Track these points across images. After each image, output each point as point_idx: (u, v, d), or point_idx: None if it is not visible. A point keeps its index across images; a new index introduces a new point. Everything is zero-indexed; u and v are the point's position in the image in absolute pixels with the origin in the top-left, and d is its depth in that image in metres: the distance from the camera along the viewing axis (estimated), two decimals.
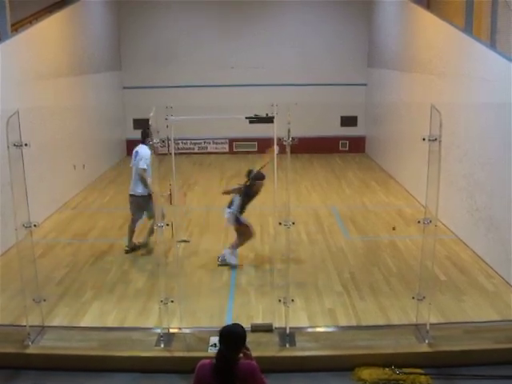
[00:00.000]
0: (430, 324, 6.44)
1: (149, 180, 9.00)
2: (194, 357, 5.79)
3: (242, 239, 8.90)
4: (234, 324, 4.51)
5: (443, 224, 10.23)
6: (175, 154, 6.72)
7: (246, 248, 9.58)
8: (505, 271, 8.20)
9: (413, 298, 6.72)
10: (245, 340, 4.34)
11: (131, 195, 9.40)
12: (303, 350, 6.40)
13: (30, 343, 6.45)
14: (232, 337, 4.29)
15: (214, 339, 6.02)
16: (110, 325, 7.01)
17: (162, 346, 6.43)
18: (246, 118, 6.55)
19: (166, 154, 6.68)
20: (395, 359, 6.19)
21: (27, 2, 12.14)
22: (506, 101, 8.10)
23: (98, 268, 8.86)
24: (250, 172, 8.77)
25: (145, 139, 9.07)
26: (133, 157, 9.42)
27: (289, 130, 6.11)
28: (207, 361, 4.35)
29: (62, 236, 10.42)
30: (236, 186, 8.88)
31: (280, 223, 6.41)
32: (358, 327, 6.93)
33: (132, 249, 9.47)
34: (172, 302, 6.62)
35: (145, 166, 9.06)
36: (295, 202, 11.72)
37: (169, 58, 17.56)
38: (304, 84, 17.57)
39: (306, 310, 7.33)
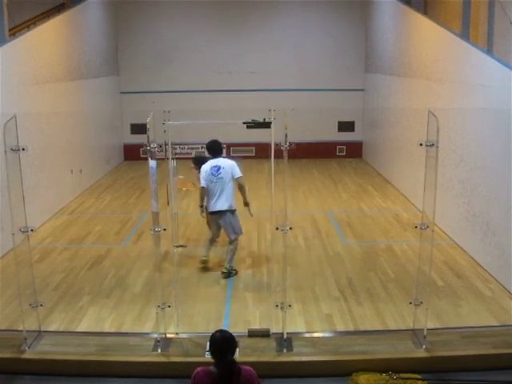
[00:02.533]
0: (427, 329, 6.43)
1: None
2: (191, 362, 5.80)
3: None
4: (219, 331, 4.50)
5: (440, 229, 10.26)
6: (172, 158, 6.73)
7: (244, 253, 9.60)
8: (502, 276, 8.20)
9: (410, 303, 6.71)
10: (236, 341, 4.38)
11: (223, 212, 8.66)
12: (300, 355, 6.38)
13: (26, 348, 6.43)
14: (229, 342, 4.31)
15: None
16: (107, 330, 6.99)
17: (159, 351, 6.41)
18: (244, 123, 6.57)
19: (163, 159, 6.69)
20: (392, 364, 6.18)
21: (25, 6, 12.15)
22: (502, 106, 8.12)
23: (94, 273, 8.85)
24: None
25: (219, 153, 8.85)
26: (211, 173, 8.60)
27: (286, 135, 6.11)
28: (202, 368, 4.35)
29: (58, 241, 10.41)
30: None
31: (277, 228, 6.40)
32: (356, 332, 6.92)
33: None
34: (169, 307, 6.61)
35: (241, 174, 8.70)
36: (292, 206, 11.73)
37: (166, 63, 17.60)
38: (301, 89, 17.60)
39: (303, 315, 7.32)
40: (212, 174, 8.58)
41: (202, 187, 8.67)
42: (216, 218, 8.78)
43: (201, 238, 10.43)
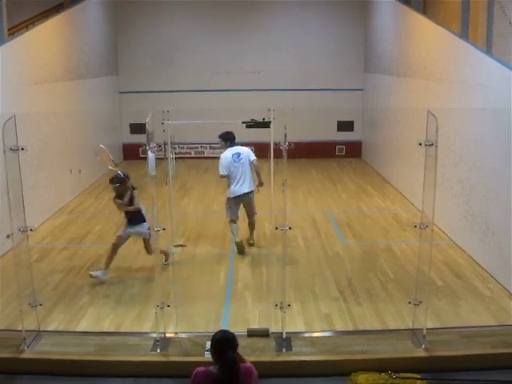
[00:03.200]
0: (427, 329, 6.43)
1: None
2: (190, 361, 5.80)
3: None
4: (221, 331, 4.52)
5: (439, 229, 10.26)
6: (171, 158, 6.73)
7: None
8: (501, 276, 8.21)
9: (409, 302, 6.71)
10: (237, 341, 4.38)
11: (247, 193, 9.57)
12: (300, 354, 6.39)
13: (25, 348, 6.43)
14: (229, 341, 4.31)
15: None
16: (106, 329, 6.99)
17: (158, 350, 6.41)
18: (243, 122, 6.58)
19: (162, 159, 6.69)
20: (392, 364, 6.18)
21: (23, 6, 12.15)
22: (501, 106, 8.12)
23: None
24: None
25: (235, 140, 9.69)
26: (232, 159, 9.47)
27: (285, 135, 6.11)
28: (203, 368, 4.35)
29: (58, 241, 10.41)
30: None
31: (276, 228, 6.41)
32: (355, 332, 6.92)
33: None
34: (168, 306, 6.61)
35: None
36: (292, 206, 11.73)
37: (165, 63, 17.59)
38: (301, 89, 17.61)
39: (303, 314, 7.32)
40: (234, 161, 9.44)
41: (222, 175, 9.51)
42: (240, 200, 9.61)
43: (200, 237, 10.44)
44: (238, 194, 9.51)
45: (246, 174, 9.50)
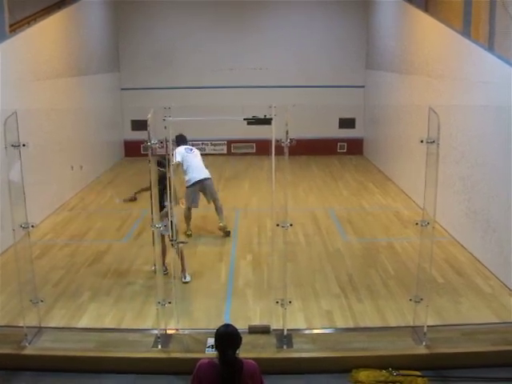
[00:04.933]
0: (428, 326, 6.44)
1: None
2: (191, 358, 5.79)
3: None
4: (225, 325, 4.52)
5: (441, 226, 10.25)
6: (173, 155, 6.73)
7: (244, 249, 9.61)
8: (502, 273, 8.21)
9: (410, 299, 6.71)
10: (241, 337, 4.37)
11: (206, 179, 10.19)
12: (300, 351, 6.40)
13: (27, 344, 6.44)
14: (232, 337, 4.31)
15: (212, 340, 6.00)
16: (107, 326, 7.00)
17: (160, 347, 6.42)
18: (244, 119, 6.56)
19: (163, 155, 6.69)
20: (392, 361, 6.19)
21: (25, 2, 12.14)
22: (503, 103, 8.11)
23: (95, 269, 8.85)
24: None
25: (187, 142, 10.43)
26: (185, 152, 10.16)
27: (287, 132, 6.11)
28: (206, 360, 4.35)
29: (59, 237, 10.41)
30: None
31: (277, 225, 6.40)
32: (356, 329, 6.93)
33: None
34: (169, 303, 6.62)
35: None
36: (293, 203, 11.72)
37: (167, 60, 17.56)
38: (302, 86, 17.57)
39: (304, 311, 7.33)
40: (187, 153, 10.11)
41: (177, 162, 9.81)
42: (201, 186, 10.14)
43: (201, 233, 10.44)
44: (197, 179, 10.04)
45: (200, 163, 10.21)
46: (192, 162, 10.10)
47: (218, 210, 10.32)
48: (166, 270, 8.28)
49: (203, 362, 4.34)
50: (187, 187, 10.11)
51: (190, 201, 10.06)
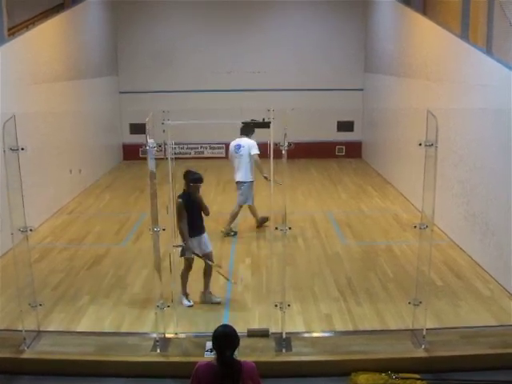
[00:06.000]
0: (427, 329, 6.44)
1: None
2: (190, 362, 5.78)
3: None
4: (223, 326, 4.53)
5: (439, 229, 10.26)
6: (171, 158, 6.72)
7: (243, 253, 9.60)
8: (501, 276, 8.21)
9: (409, 303, 6.72)
10: (239, 338, 4.37)
11: (241, 182, 10.45)
12: (299, 355, 6.39)
13: (25, 348, 6.44)
14: (230, 338, 4.32)
15: (210, 344, 6.00)
16: (106, 330, 6.99)
17: (158, 350, 6.41)
18: (243, 122, 6.57)
19: (162, 159, 6.69)
20: (391, 364, 6.18)
21: (24, 6, 12.14)
22: (502, 106, 8.12)
23: (94, 273, 8.85)
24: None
25: (248, 133, 10.27)
26: (234, 149, 10.43)
27: (285, 135, 6.11)
28: (204, 362, 4.37)
29: (58, 241, 10.40)
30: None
31: (276, 228, 6.41)
32: (355, 332, 6.92)
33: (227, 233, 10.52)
34: (168, 306, 6.61)
35: (258, 152, 10.25)
36: (291, 207, 11.70)
37: (165, 63, 17.57)
38: (301, 89, 17.58)
39: (303, 314, 7.33)
40: (235, 152, 10.39)
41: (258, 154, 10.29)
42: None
43: None
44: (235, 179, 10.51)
45: (240, 164, 10.34)
46: (234, 163, 10.53)
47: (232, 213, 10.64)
48: (187, 298, 7.77)
49: (201, 363, 4.35)
50: (252, 182, 10.51)
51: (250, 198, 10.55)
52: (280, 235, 6.41)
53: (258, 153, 10.25)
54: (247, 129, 10.08)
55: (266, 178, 9.68)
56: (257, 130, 6.49)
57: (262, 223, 10.72)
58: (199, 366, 4.33)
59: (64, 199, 12.85)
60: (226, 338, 4.32)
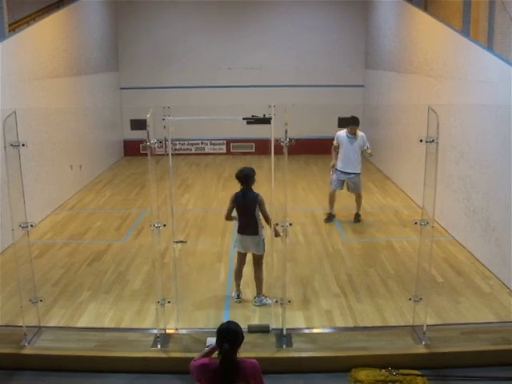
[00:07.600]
0: (427, 325, 6.45)
1: None
2: (190, 358, 5.77)
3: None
4: (228, 322, 4.55)
5: (440, 225, 10.25)
6: (172, 154, 6.72)
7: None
8: (501, 272, 8.21)
9: (409, 299, 6.73)
10: (243, 335, 4.39)
11: (350, 173, 11.01)
12: (300, 351, 6.40)
13: (26, 344, 6.44)
14: (232, 334, 4.33)
15: (211, 340, 6.02)
16: (106, 325, 7.00)
17: (159, 346, 6.42)
18: (244, 118, 6.55)
19: (163, 155, 6.69)
20: (392, 360, 6.19)
21: (24, 2, 12.13)
22: (502, 102, 8.11)
23: (94, 269, 8.85)
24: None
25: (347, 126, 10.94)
26: (347, 137, 11.02)
27: (286, 131, 6.11)
28: (203, 357, 4.40)
29: (58, 237, 10.41)
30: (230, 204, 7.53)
31: (277, 224, 6.41)
32: (355, 328, 6.92)
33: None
34: (169, 302, 6.63)
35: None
36: (292, 203, 11.72)
37: (166, 59, 17.56)
38: (301, 85, 17.57)
39: (303, 311, 7.33)
40: (348, 139, 11.01)
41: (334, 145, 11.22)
42: (344, 176, 11.16)
43: (200, 233, 10.44)
44: (342, 169, 11.02)
45: (354, 155, 10.91)
46: (345, 150, 11.06)
47: (357, 200, 11.32)
48: (239, 296, 7.69)
49: (199, 358, 4.39)
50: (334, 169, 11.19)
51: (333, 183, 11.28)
52: (281, 231, 6.44)
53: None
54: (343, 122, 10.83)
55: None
56: (258, 126, 6.47)
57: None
58: (197, 361, 4.38)
59: (65, 195, 12.85)
60: (226, 332, 4.34)
